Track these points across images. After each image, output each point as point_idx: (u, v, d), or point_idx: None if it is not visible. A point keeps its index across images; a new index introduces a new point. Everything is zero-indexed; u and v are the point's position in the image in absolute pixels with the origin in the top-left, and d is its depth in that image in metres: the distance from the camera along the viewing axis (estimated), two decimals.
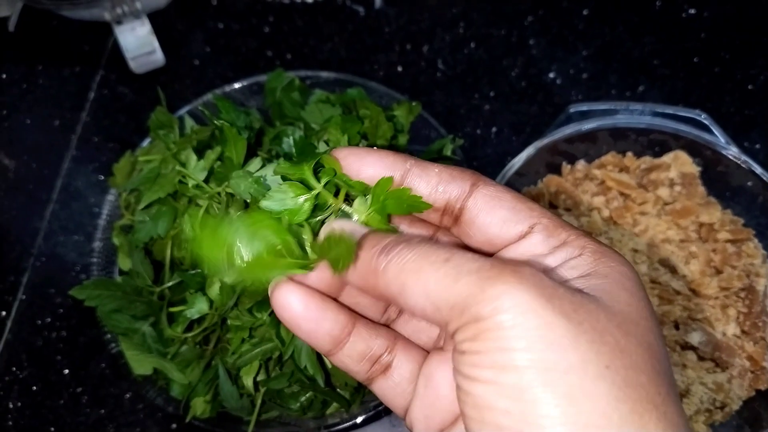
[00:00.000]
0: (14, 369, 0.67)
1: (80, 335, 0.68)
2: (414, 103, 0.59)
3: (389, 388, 0.35)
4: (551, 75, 0.78)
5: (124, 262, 0.56)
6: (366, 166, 0.34)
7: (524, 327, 0.26)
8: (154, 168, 0.52)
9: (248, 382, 0.49)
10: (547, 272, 0.30)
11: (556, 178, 0.66)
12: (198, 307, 0.47)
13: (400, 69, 0.80)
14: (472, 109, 0.77)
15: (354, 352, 0.34)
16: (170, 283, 0.51)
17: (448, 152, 0.58)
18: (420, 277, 0.29)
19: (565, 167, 0.67)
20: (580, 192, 0.64)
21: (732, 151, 0.63)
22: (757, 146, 0.73)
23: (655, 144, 0.68)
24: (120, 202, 0.59)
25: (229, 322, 0.48)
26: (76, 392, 0.65)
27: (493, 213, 0.32)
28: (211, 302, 0.48)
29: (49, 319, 0.69)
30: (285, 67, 0.80)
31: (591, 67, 0.78)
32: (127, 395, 0.65)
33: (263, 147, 0.57)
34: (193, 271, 0.49)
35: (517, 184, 0.66)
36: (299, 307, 0.33)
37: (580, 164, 0.66)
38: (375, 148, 0.36)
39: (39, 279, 0.71)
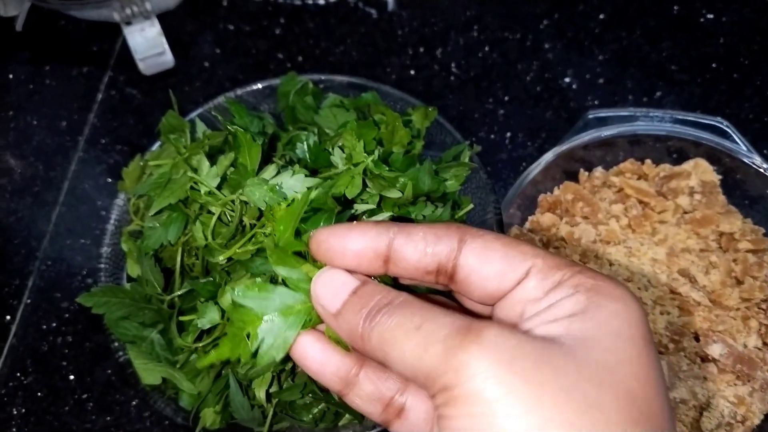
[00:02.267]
0: (19, 374, 0.65)
1: (86, 341, 0.67)
2: (430, 108, 0.58)
3: (407, 431, 0.35)
4: (567, 80, 0.77)
5: (132, 269, 0.55)
6: (350, 243, 0.33)
7: (487, 394, 0.26)
8: (165, 173, 0.50)
9: (260, 393, 0.48)
10: (522, 324, 0.30)
11: (573, 185, 0.64)
12: (209, 317, 0.46)
13: (413, 72, 0.79)
14: (486, 114, 0.75)
15: (363, 394, 0.35)
16: (180, 292, 0.50)
17: (466, 159, 0.56)
18: (396, 347, 0.30)
19: (583, 174, 0.65)
20: (597, 199, 0.63)
21: (754, 159, 0.62)
22: None
23: (673, 151, 0.67)
24: (129, 207, 0.57)
25: None
26: (81, 399, 0.64)
27: (486, 267, 0.32)
28: (222, 312, 0.46)
29: (54, 324, 0.67)
30: (296, 69, 0.79)
31: (607, 72, 0.77)
32: (134, 402, 0.63)
33: (277, 152, 0.55)
34: (204, 280, 0.48)
35: (533, 191, 0.65)
36: (305, 346, 0.34)
37: (598, 171, 0.65)
38: (355, 222, 0.36)
39: (44, 283, 0.70)
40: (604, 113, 0.63)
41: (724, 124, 0.62)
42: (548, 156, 0.61)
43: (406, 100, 0.63)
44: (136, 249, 0.53)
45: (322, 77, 0.63)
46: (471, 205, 0.58)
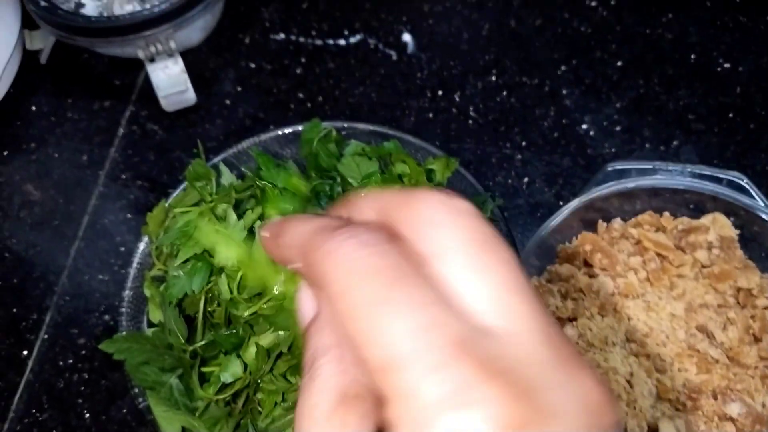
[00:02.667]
0: (34, 411, 0.66)
1: (102, 378, 0.67)
2: (452, 160, 0.59)
3: None
4: (584, 126, 0.77)
5: (154, 314, 0.55)
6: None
7: None
8: (191, 221, 0.51)
9: None
10: None
11: (592, 235, 0.65)
12: (232, 371, 0.46)
13: (431, 115, 0.79)
14: (503, 159, 0.76)
15: None
16: (203, 342, 0.50)
17: (487, 212, 0.57)
18: None
19: (601, 225, 0.66)
20: (616, 251, 0.63)
21: None
22: None
23: (689, 202, 0.67)
24: (152, 251, 0.58)
25: (262, 386, 0.47)
26: None
27: None
28: (245, 365, 0.47)
29: (71, 361, 0.68)
30: (316, 109, 0.80)
31: (625, 120, 0.77)
32: None
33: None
34: (228, 332, 0.48)
35: (551, 240, 0.65)
36: None
37: (617, 223, 0.65)
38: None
39: (62, 318, 0.70)
40: (624, 165, 0.64)
41: (744, 181, 0.63)
42: (569, 207, 0.62)
43: (426, 149, 0.64)
44: (159, 295, 0.53)
45: (345, 124, 0.63)
46: None
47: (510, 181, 0.75)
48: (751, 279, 0.62)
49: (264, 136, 0.62)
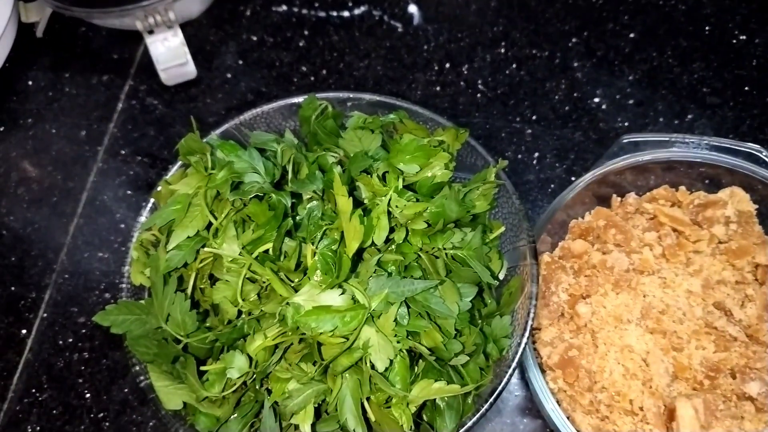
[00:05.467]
0: (34, 391, 0.64)
1: (103, 357, 0.65)
2: (462, 131, 0.57)
3: None
4: (596, 100, 0.75)
5: (136, 277, 0.54)
6: None
7: None
8: (183, 197, 0.49)
9: (306, 427, 0.46)
10: None
11: (606, 211, 0.63)
12: (238, 366, 0.45)
13: (438, 89, 0.77)
14: (513, 133, 0.74)
15: None
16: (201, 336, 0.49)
17: (491, 177, 0.55)
18: None
19: (615, 200, 0.64)
20: (630, 226, 0.61)
21: None
22: None
23: (705, 176, 0.65)
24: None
25: (272, 375, 0.46)
26: (98, 418, 0.63)
27: None
28: (250, 358, 0.45)
29: (71, 340, 0.66)
30: (320, 83, 0.78)
31: (638, 93, 0.75)
32: (151, 423, 0.62)
33: (300, 175, 0.54)
34: (227, 329, 0.47)
35: (563, 216, 0.63)
36: None
37: (631, 197, 0.63)
38: None
39: (61, 297, 0.68)
40: (639, 138, 0.62)
41: (763, 153, 0.61)
42: (582, 181, 0.60)
43: (435, 120, 0.62)
44: (151, 264, 0.51)
45: (350, 95, 0.61)
46: (502, 228, 0.57)
47: (520, 156, 0.73)
48: None
49: (266, 107, 0.60)
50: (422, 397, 0.47)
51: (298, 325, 0.44)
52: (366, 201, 0.51)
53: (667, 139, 0.62)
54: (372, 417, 0.49)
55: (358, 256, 0.49)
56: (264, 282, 0.47)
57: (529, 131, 0.74)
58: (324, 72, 0.80)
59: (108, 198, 0.73)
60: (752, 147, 0.63)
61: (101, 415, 0.63)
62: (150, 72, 0.79)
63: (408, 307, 0.49)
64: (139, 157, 0.76)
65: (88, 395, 0.64)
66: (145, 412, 0.62)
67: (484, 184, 0.56)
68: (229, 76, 0.81)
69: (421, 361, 0.51)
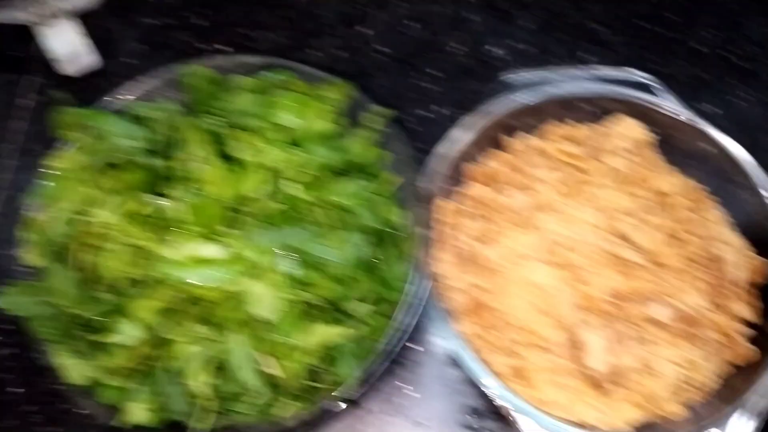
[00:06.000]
0: None
1: (29, 350, 0.64)
2: (343, 84, 0.57)
3: None
4: (500, 51, 0.76)
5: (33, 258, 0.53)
6: None
7: None
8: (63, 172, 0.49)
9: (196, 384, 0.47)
10: None
11: (501, 153, 0.63)
12: (128, 333, 0.45)
13: (339, 53, 0.77)
14: (417, 90, 0.74)
15: None
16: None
17: (371, 123, 0.55)
18: None
19: (509, 141, 0.64)
20: (527, 166, 0.61)
21: (686, 115, 0.60)
22: (717, 110, 0.71)
23: (604, 112, 0.65)
24: None
25: (173, 338, 0.46)
26: (29, 411, 0.62)
27: None
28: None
29: None
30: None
31: (537, 41, 0.76)
32: (86, 411, 0.61)
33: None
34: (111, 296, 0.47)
35: (458, 161, 0.62)
36: None
37: (525, 137, 0.63)
38: None
39: None
40: (517, 75, 0.61)
41: (654, 81, 0.61)
42: (460, 129, 0.60)
43: (330, 81, 0.62)
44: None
45: (243, 59, 0.61)
46: (397, 179, 0.58)
47: (425, 112, 0.73)
48: (670, 182, 0.60)
49: (147, 82, 0.60)
50: (316, 344, 0.48)
51: (171, 278, 0.44)
52: (249, 158, 0.51)
53: (550, 74, 0.62)
54: (274, 372, 0.49)
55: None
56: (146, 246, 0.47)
57: (433, 87, 0.74)
58: (231, 50, 0.80)
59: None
60: (644, 76, 0.63)
61: (33, 408, 0.61)
62: (48, 65, 0.78)
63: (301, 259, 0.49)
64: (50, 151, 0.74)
65: (17, 390, 0.63)
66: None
67: (364, 129, 0.57)
68: (135, 62, 0.80)
69: (320, 312, 0.51)
